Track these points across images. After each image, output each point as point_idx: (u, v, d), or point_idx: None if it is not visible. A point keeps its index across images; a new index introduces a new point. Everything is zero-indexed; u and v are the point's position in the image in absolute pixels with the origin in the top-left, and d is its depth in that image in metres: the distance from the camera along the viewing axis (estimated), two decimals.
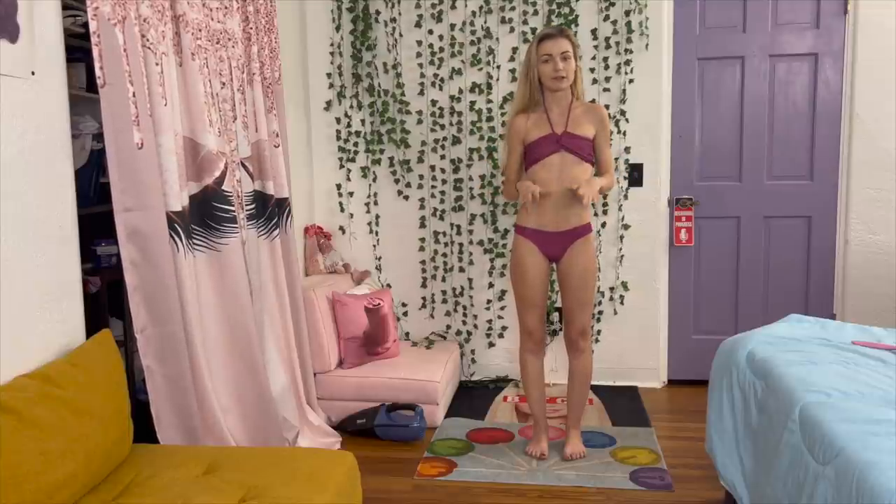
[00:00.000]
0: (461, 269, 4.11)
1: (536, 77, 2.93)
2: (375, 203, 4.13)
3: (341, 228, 4.17)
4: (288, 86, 3.61)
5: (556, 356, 4.03)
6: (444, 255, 4.10)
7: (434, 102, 4.00)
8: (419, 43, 3.96)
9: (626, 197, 3.94)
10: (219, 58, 2.72)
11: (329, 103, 4.07)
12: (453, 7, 3.92)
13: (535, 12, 3.87)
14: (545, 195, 2.93)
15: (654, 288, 4.01)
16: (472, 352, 4.17)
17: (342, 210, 4.15)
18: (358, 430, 3.38)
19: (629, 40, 3.84)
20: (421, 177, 4.07)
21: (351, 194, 4.14)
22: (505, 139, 3.11)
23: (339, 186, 4.13)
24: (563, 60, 2.87)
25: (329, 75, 4.06)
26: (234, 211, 2.71)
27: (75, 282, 2.12)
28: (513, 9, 3.88)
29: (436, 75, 3.98)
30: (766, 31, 3.85)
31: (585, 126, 2.96)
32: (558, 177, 2.92)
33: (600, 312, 4.05)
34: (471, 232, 4.08)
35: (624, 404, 3.76)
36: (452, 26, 3.93)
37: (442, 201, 4.07)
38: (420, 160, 4.05)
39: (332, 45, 4.03)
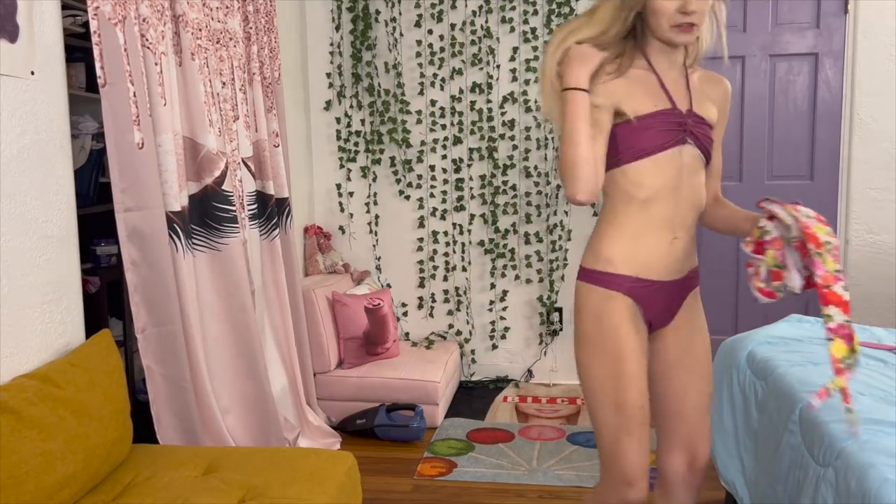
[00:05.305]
0: (463, 269, 4.11)
1: (631, 11, 1.63)
2: (375, 203, 4.13)
3: (341, 228, 4.17)
4: (288, 86, 3.60)
5: (555, 355, 4.04)
6: (446, 254, 4.10)
7: (434, 102, 4.00)
8: (419, 43, 3.96)
9: None
10: (219, 57, 2.72)
11: (329, 103, 4.07)
12: (453, 7, 3.91)
13: (535, 12, 3.86)
14: (662, 218, 1.66)
15: None
16: (472, 352, 4.16)
17: (342, 210, 4.15)
18: (358, 430, 3.38)
19: None
20: (420, 177, 4.07)
21: (351, 194, 4.14)
22: (548, 85, 1.67)
23: (339, 186, 4.12)
24: None
25: (329, 75, 4.05)
26: (234, 211, 2.71)
27: (75, 282, 2.12)
28: (513, 8, 3.88)
29: (436, 75, 3.98)
30: (767, 30, 3.85)
31: (710, 107, 1.73)
32: (676, 187, 1.66)
33: None
34: (470, 232, 4.08)
35: None
36: (452, 26, 3.93)
37: (443, 201, 4.07)
38: (420, 160, 4.05)
39: (332, 44, 4.03)
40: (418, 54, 3.97)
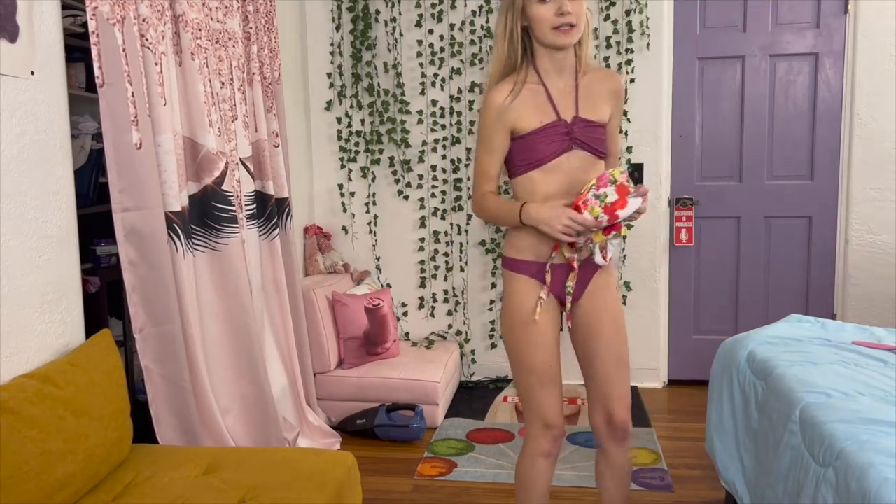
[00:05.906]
0: (461, 269, 4.11)
1: (518, 29, 1.87)
2: (374, 203, 4.13)
3: (344, 228, 4.17)
4: (288, 86, 3.60)
5: None
6: (446, 254, 4.10)
7: (434, 102, 4.00)
8: (419, 42, 3.96)
9: None
10: (218, 57, 2.72)
11: (329, 103, 4.07)
12: (453, 7, 3.91)
13: None
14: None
15: (654, 288, 4.01)
16: (472, 352, 4.16)
17: (345, 210, 4.15)
18: (358, 430, 3.38)
19: (630, 40, 3.84)
20: (420, 177, 4.07)
21: (353, 194, 4.14)
22: (478, 129, 1.96)
23: (340, 186, 4.13)
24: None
25: (329, 75, 4.05)
26: (234, 211, 2.71)
27: (75, 282, 2.12)
28: None
29: (436, 75, 3.98)
30: (767, 30, 3.85)
31: (601, 106, 1.94)
32: (568, 188, 1.89)
33: None
34: (467, 232, 4.08)
35: None
36: (452, 26, 3.93)
37: (443, 201, 4.07)
38: (420, 160, 4.05)
39: (332, 44, 4.03)
40: (418, 54, 3.97)
